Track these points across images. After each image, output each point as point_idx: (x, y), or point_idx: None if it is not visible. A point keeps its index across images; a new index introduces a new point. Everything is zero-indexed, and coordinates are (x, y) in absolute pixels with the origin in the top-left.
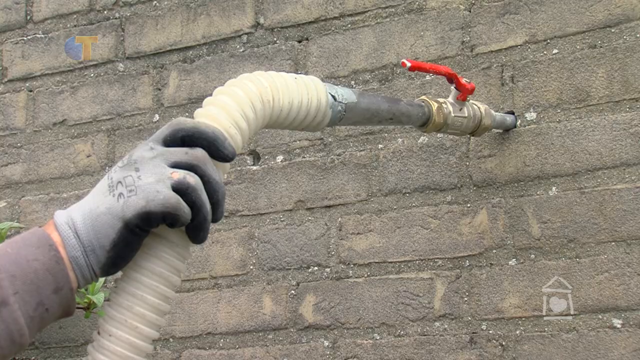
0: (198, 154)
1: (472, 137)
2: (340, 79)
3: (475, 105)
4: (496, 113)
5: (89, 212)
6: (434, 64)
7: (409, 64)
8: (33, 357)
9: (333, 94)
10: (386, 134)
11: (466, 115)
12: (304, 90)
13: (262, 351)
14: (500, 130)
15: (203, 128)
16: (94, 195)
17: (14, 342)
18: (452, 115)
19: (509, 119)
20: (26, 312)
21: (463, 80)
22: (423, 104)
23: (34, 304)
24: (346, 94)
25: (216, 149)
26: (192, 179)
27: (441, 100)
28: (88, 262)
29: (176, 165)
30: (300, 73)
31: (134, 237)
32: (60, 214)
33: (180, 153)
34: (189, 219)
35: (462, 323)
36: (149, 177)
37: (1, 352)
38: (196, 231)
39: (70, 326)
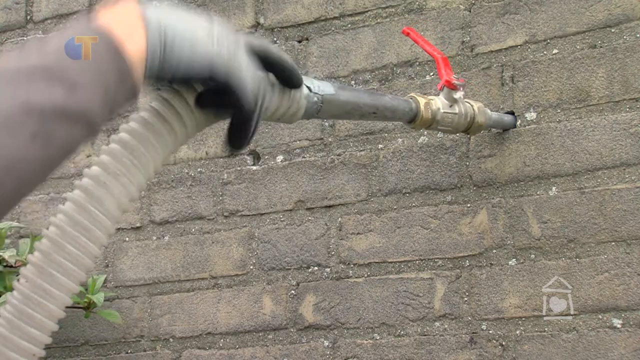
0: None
1: (471, 137)
2: (341, 79)
3: (469, 103)
4: (494, 112)
5: (186, 36)
6: (428, 42)
7: (408, 33)
8: None
9: (308, 85)
10: (386, 134)
11: (457, 112)
12: None
13: (262, 351)
14: (500, 130)
15: (285, 60)
16: (193, 23)
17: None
18: (442, 111)
19: (507, 118)
20: (96, 99)
21: (453, 77)
22: (410, 99)
23: (102, 92)
24: (323, 87)
25: (289, 78)
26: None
27: (431, 97)
28: (156, 73)
29: (255, 77)
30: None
31: (206, 86)
32: (153, 18)
33: (260, 75)
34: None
35: (462, 323)
36: (246, 66)
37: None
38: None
39: (70, 326)
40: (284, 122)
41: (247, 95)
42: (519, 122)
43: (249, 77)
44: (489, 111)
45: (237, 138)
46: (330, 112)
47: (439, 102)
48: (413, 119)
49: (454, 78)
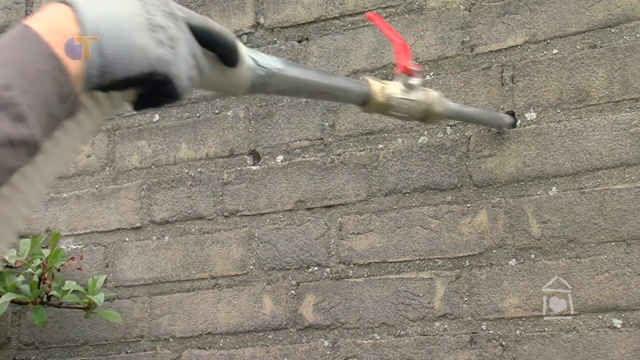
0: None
1: (471, 137)
2: None
3: (429, 92)
4: (455, 104)
5: (122, 35)
6: (392, 29)
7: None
8: (33, 357)
9: (255, 57)
10: (386, 134)
11: (414, 99)
12: None
13: (262, 351)
14: (500, 130)
15: (225, 37)
16: (130, 17)
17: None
18: (396, 96)
19: (468, 110)
20: (39, 124)
21: (411, 63)
22: (363, 82)
23: (45, 116)
24: (272, 61)
25: (227, 55)
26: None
27: (388, 82)
28: (96, 82)
29: (194, 58)
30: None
31: (140, 87)
32: (84, 11)
33: (199, 53)
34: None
35: (462, 323)
36: (181, 48)
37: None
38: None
39: (70, 326)
40: (228, 95)
41: (184, 85)
42: (519, 122)
43: (187, 63)
44: (448, 102)
45: (150, 106)
46: (278, 87)
47: (394, 88)
48: (365, 102)
49: (411, 64)
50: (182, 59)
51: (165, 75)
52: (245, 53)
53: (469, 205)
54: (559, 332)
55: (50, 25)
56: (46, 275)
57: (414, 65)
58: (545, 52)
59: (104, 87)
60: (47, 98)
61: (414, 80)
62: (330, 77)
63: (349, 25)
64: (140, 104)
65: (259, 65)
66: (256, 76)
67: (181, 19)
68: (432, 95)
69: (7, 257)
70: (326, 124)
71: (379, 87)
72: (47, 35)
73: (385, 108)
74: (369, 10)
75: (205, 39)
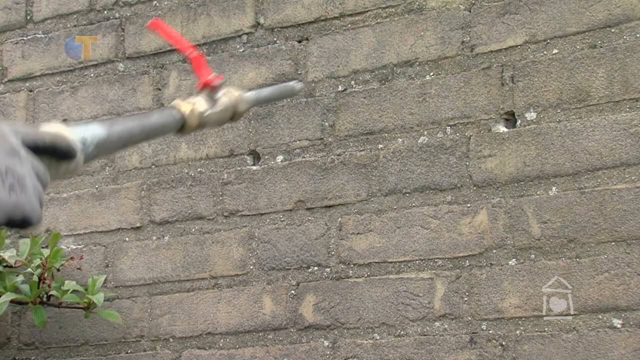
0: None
1: (471, 138)
2: (340, 78)
3: (228, 94)
4: (251, 92)
5: None
6: (180, 38)
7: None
8: (33, 357)
9: (82, 136)
10: (386, 134)
11: (220, 109)
12: None
13: (262, 351)
14: (500, 130)
15: (58, 141)
16: None
17: None
18: (207, 113)
19: (267, 89)
20: None
21: (207, 74)
22: (174, 110)
23: None
24: (95, 132)
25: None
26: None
27: (194, 100)
28: None
29: (39, 180)
30: (299, 73)
31: None
32: None
33: (42, 171)
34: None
35: (462, 323)
36: (28, 182)
37: None
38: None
39: (70, 326)
40: (67, 178)
41: (38, 215)
42: (518, 122)
43: (36, 193)
44: (248, 95)
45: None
46: (108, 151)
47: (202, 105)
48: (182, 127)
49: (211, 78)
50: (32, 192)
51: (22, 217)
52: (76, 139)
53: (469, 205)
54: (559, 332)
55: None
56: (46, 275)
57: (214, 77)
58: (545, 52)
59: None
60: None
61: (218, 94)
62: (145, 121)
63: (349, 25)
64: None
65: (87, 144)
66: (87, 154)
67: (19, 147)
68: (234, 98)
69: (7, 257)
70: (326, 124)
71: (188, 110)
72: None
73: (199, 127)
74: (369, 10)
75: (42, 149)
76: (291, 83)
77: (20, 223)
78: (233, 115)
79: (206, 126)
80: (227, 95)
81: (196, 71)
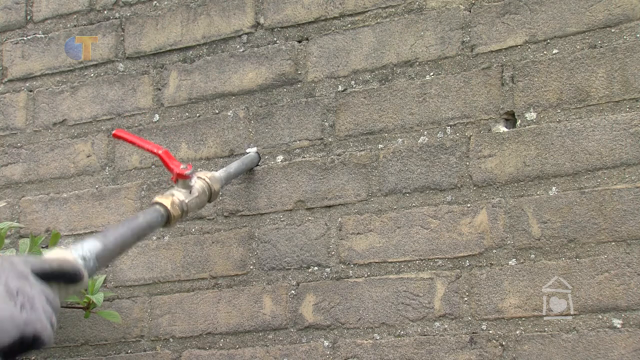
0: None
1: (471, 138)
2: (340, 78)
3: (200, 177)
4: (221, 170)
5: None
6: (145, 141)
7: (120, 135)
8: (33, 357)
9: (82, 255)
10: (386, 134)
11: (197, 194)
12: None
13: (262, 351)
14: (500, 130)
15: (65, 266)
16: None
17: None
18: (186, 201)
19: (237, 165)
20: None
21: (178, 166)
22: (158, 206)
23: None
24: (91, 247)
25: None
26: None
27: (172, 192)
28: None
29: (49, 303)
30: (300, 73)
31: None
32: None
33: (51, 296)
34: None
35: (462, 323)
36: (38, 303)
37: None
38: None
39: (70, 326)
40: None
41: (49, 334)
42: (518, 122)
43: (46, 313)
44: (218, 174)
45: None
46: (107, 260)
47: (180, 195)
48: (167, 222)
49: (182, 169)
50: (42, 312)
51: (33, 334)
52: (78, 258)
53: (469, 205)
54: (559, 332)
55: None
56: None
57: (184, 168)
58: (545, 52)
59: None
60: None
61: (192, 181)
62: (135, 224)
63: (349, 25)
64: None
65: (87, 259)
66: (89, 269)
67: (28, 274)
68: (207, 180)
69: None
70: (326, 124)
71: (169, 203)
72: None
73: (183, 216)
74: (369, 10)
75: (51, 276)
76: (251, 153)
77: (31, 341)
78: (210, 195)
79: (189, 213)
80: (201, 180)
81: (166, 165)
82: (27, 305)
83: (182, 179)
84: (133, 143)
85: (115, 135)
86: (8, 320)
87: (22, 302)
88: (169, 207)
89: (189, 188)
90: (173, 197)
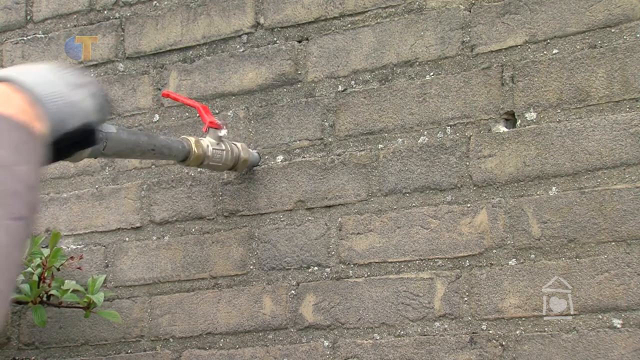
0: None
1: (472, 138)
2: (341, 78)
3: (233, 143)
4: (254, 150)
5: (62, 95)
6: (187, 99)
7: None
8: (33, 357)
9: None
10: (386, 134)
11: (224, 148)
12: None
13: (262, 351)
14: (500, 130)
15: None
16: (60, 79)
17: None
18: (211, 148)
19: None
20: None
21: (214, 118)
22: (181, 139)
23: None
24: (106, 127)
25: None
26: None
27: (200, 137)
28: (52, 138)
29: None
30: (300, 73)
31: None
32: (41, 103)
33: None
34: None
35: (462, 323)
36: (98, 96)
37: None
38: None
39: (70, 326)
40: (70, 161)
41: (98, 137)
42: (518, 122)
43: (106, 109)
44: (250, 150)
45: (63, 157)
46: (115, 149)
47: (207, 141)
48: (186, 157)
49: (215, 119)
50: (103, 104)
51: (97, 121)
52: None
53: (469, 205)
54: (559, 332)
55: (15, 106)
56: (46, 275)
57: (218, 120)
58: (545, 52)
59: (56, 142)
60: (36, 165)
61: (222, 132)
62: (154, 137)
63: (349, 25)
64: (56, 157)
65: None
66: (96, 148)
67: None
68: (238, 146)
69: None
70: (326, 124)
71: (194, 141)
72: (17, 113)
73: (203, 159)
74: (369, 10)
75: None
76: (255, 154)
77: (93, 129)
78: (237, 161)
79: (209, 162)
80: (233, 144)
81: (201, 116)
82: (90, 96)
83: (213, 128)
84: (178, 100)
85: (164, 95)
86: (77, 105)
87: (88, 91)
88: (192, 143)
89: (218, 139)
90: (199, 139)
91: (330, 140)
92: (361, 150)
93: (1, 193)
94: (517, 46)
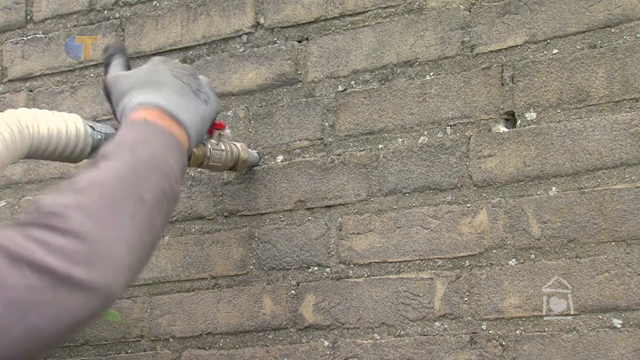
0: None
1: (472, 138)
2: (340, 78)
3: (233, 143)
4: (254, 150)
5: (193, 111)
6: None
7: None
8: None
9: (91, 125)
10: (386, 134)
11: (224, 148)
12: (61, 120)
13: (262, 351)
14: (500, 130)
15: None
16: (182, 94)
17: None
18: (211, 148)
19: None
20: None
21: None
22: None
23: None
24: (104, 128)
25: None
26: None
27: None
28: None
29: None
30: (300, 73)
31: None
32: (178, 117)
33: (212, 85)
34: None
35: (462, 323)
36: (212, 96)
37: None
38: None
39: None
40: (71, 162)
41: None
42: (518, 122)
43: (219, 104)
44: (250, 150)
45: None
46: None
47: (207, 142)
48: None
49: (216, 120)
50: (215, 102)
51: (218, 111)
52: (83, 122)
53: (469, 205)
54: (559, 332)
55: (158, 119)
56: None
57: (218, 120)
58: (545, 52)
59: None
60: (184, 167)
61: (223, 132)
62: None
63: (349, 25)
64: None
65: (96, 130)
66: (95, 141)
67: (196, 72)
68: (238, 146)
69: None
70: (326, 124)
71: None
72: (161, 123)
73: (203, 159)
74: (369, 10)
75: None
76: (255, 154)
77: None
78: (236, 162)
79: (210, 162)
80: (233, 144)
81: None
82: (205, 100)
83: (217, 129)
84: None
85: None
86: (203, 116)
87: (204, 98)
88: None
89: (218, 140)
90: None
91: (330, 140)
92: (361, 150)
93: (157, 187)
94: (517, 46)
